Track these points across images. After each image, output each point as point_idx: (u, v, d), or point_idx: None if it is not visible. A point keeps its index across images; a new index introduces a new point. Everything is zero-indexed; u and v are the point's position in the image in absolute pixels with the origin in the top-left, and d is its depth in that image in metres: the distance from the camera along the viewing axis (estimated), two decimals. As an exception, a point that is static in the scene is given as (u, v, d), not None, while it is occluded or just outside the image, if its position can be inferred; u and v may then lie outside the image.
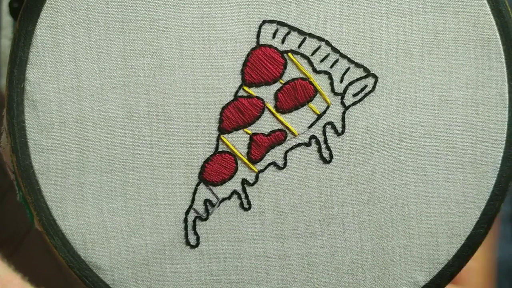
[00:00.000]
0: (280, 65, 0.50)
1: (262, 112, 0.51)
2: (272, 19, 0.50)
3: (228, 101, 0.51)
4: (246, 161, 0.51)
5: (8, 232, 0.77)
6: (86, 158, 0.51)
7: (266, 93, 0.51)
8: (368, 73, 0.51)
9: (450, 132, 0.51)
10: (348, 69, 0.50)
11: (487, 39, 0.50)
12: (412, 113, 0.51)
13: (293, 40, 0.50)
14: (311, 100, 0.51)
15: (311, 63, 0.50)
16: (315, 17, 0.50)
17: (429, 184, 0.52)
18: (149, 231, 0.52)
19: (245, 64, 0.50)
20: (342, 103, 0.51)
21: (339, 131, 0.51)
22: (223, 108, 0.51)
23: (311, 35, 0.50)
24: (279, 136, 0.51)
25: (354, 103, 0.51)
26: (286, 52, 0.50)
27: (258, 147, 0.51)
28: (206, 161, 0.51)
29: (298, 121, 0.51)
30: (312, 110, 0.51)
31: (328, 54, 0.50)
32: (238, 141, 0.51)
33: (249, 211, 0.52)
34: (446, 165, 0.51)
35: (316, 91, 0.51)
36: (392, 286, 0.53)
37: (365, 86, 0.51)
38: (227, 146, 0.51)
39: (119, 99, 0.51)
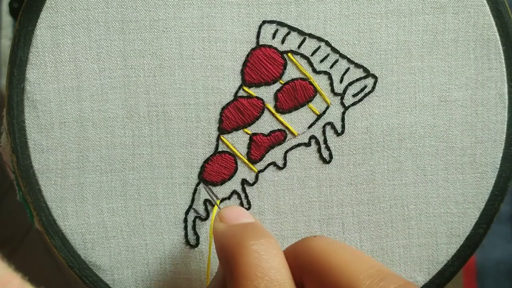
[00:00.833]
0: (280, 66, 0.50)
1: (262, 112, 0.51)
2: (272, 19, 0.50)
3: (228, 101, 0.51)
4: (246, 161, 0.51)
5: (8, 232, 0.77)
6: (86, 158, 0.51)
7: (266, 93, 0.51)
8: (368, 74, 0.51)
9: (450, 133, 0.51)
10: (348, 69, 0.51)
11: (487, 39, 0.50)
12: (412, 114, 0.51)
13: (293, 41, 0.50)
14: (311, 101, 0.51)
15: (311, 64, 0.50)
16: (315, 17, 0.50)
17: (428, 184, 0.52)
18: (149, 231, 0.52)
19: (245, 64, 0.50)
20: (342, 103, 0.51)
21: (339, 131, 0.51)
22: (223, 108, 0.51)
23: (311, 36, 0.50)
24: (279, 136, 0.51)
25: (353, 104, 0.51)
26: (286, 52, 0.50)
27: (258, 147, 0.51)
28: (206, 161, 0.51)
29: (298, 121, 0.51)
30: (312, 110, 0.51)
31: (328, 55, 0.50)
32: (238, 141, 0.51)
33: (249, 211, 0.52)
34: (445, 165, 0.52)
35: (316, 91, 0.51)
36: (391, 286, 0.53)
37: (365, 87, 0.51)
38: (227, 146, 0.51)
39: (119, 99, 0.51)
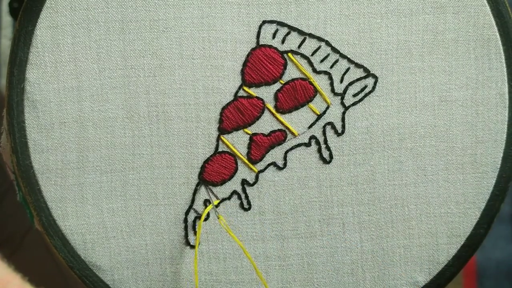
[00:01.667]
0: (280, 65, 0.50)
1: (262, 112, 0.51)
2: (272, 19, 0.50)
3: (228, 101, 0.51)
4: (246, 161, 0.51)
5: (8, 232, 0.77)
6: (86, 158, 0.51)
7: (266, 93, 0.51)
8: (368, 73, 0.51)
9: (450, 132, 0.51)
10: (348, 69, 0.50)
11: (487, 39, 0.50)
12: (412, 113, 0.51)
13: (293, 40, 0.50)
14: (311, 100, 0.51)
15: (311, 63, 0.50)
16: (315, 17, 0.50)
17: (429, 184, 0.52)
18: (149, 231, 0.52)
19: (245, 64, 0.50)
20: (342, 103, 0.51)
21: (339, 131, 0.51)
22: (223, 108, 0.51)
23: (311, 35, 0.50)
24: (279, 136, 0.51)
25: (354, 103, 0.51)
26: (286, 52, 0.50)
27: (258, 147, 0.51)
28: (206, 161, 0.51)
29: (298, 121, 0.51)
30: (312, 110, 0.51)
31: (328, 55, 0.50)
32: (238, 141, 0.51)
33: (249, 211, 0.52)
34: (446, 165, 0.51)
35: (316, 91, 0.51)
36: (392, 286, 0.53)
37: (365, 86, 0.51)
38: (227, 146, 0.51)
39: (119, 99, 0.51)
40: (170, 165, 0.51)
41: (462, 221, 0.52)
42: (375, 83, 0.51)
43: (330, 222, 0.52)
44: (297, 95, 0.51)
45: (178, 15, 0.50)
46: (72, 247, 0.52)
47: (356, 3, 0.50)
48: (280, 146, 0.51)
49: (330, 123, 0.51)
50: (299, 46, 0.50)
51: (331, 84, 0.51)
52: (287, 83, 0.51)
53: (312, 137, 0.51)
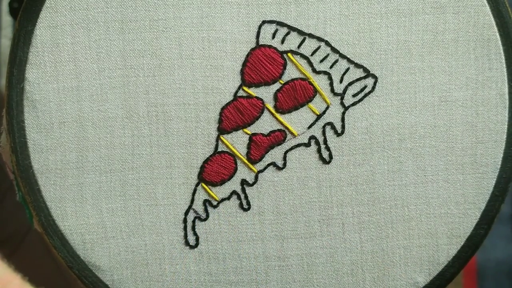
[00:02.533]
0: (280, 65, 0.50)
1: (262, 113, 0.51)
2: (271, 19, 0.50)
3: (227, 101, 0.51)
4: (246, 161, 0.51)
5: (8, 232, 0.77)
6: (86, 158, 0.51)
7: (266, 93, 0.51)
8: (368, 74, 0.50)
9: (450, 133, 0.51)
10: (347, 69, 0.50)
11: (487, 39, 0.50)
12: (412, 114, 0.51)
13: (293, 40, 0.50)
14: (310, 101, 0.51)
15: (310, 64, 0.50)
16: (315, 17, 0.50)
17: (429, 184, 0.52)
18: (148, 232, 0.52)
19: (244, 64, 0.50)
20: (342, 104, 0.51)
21: (339, 131, 0.51)
22: (223, 108, 0.51)
23: (311, 35, 0.50)
24: (278, 137, 0.51)
25: (353, 104, 0.51)
26: (286, 52, 0.50)
27: (258, 148, 0.51)
28: (206, 161, 0.51)
29: (297, 122, 0.51)
30: (312, 110, 0.51)
31: (328, 55, 0.50)
32: (237, 141, 0.51)
33: (248, 211, 0.52)
34: (446, 165, 0.51)
35: (315, 91, 0.51)
36: (391, 287, 0.52)
37: (365, 87, 0.51)
38: (227, 146, 0.51)
39: (118, 99, 0.50)
40: (169, 165, 0.51)
41: (462, 222, 0.52)
42: (374, 83, 0.51)
43: (330, 223, 0.52)
44: (296, 95, 0.51)
45: (178, 15, 0.50)
46: (71, 247, 0.52)
47: (356, 3, 0.50)
48: (280, 146, 0.51)
49: (330, 123, 0.51)
50: (299, 46, 0.50)
51: (331, 84, 0.51)
52: (286, 83, 0.51)
53: (312, 137, 0.51)
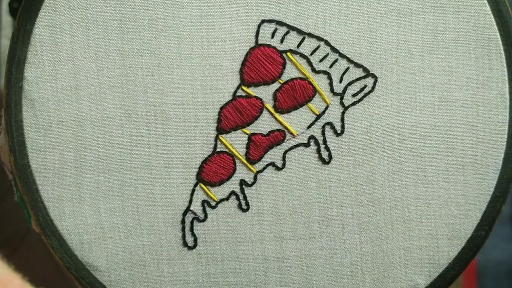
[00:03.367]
0: (279, 65, 0.50)
1: (261, 112, 0.51)
2: (271, 18, 0.50)
3: (226, 101, 0.50)
4: (245, 161, 0.51)
5: (8, 232, 0.77)
6: (84, 157, 0.51)
7: (265, 93, 0.50)
8: (368, 73, 0.50)
9: (451, 133, 0.51)
10: (347, 69, 0.50)
11: (488, 39, 0.50)
12: (412, 114, 0.51)
13: (292, 40, 0.50)
14: (310, 100, 0.51)
15: (310, 63, 0.50)
16: (314, 16, 0.50)
17: (429, 185, 0.51)
18: (146, 232, 0.52)
19: (243, 63, 0.50)
20: (342, 103, 0.50)
21: (338, 131, 0.51)
22: (222, 108, 0.50)
23: (310, 35, 0.50)
24: (277, 137, 0.51)
25: (353, 103, 0.50)
26: (285, 51, 0.50)
27: (257, 148, 0.51)
28: (204, 162, 0.51)
29: (297, 121, 0.51)
30: (311, 110, 0.51)
31: (327, 54, 0.50)
32: (236, 141, 0.51)
33: (247, 212, 0.51)
34: (446, 166, 0.51)
35: (315, 91, 0.50)
36: (391, 288, 0.52)
37: (365, 86, 0.50)
38: (226, 146, 0.51)
39: (117, 99, 0.50)
40: (167, 165, 0.51)
41: (463, 223, 0.52)
42: (374, 83, 0.50)
43: (329, 224, 0.52)
44: (296, 95, 0.50)
45: (177, 14, 0.50)
46: (69, 247, 0.51)
47: (356, 2, 0.50)
48: (279, 146, 0.51)
49: (330, 123, 0.51)
50: (298, 46, 0.50)
51: (331, 84, 0.50)
52: (286, 82, 0.50)
53: (311, 137, 0.51)
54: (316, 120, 0.51)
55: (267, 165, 0.51)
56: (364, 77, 0.50)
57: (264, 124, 0.51)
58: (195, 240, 0.52)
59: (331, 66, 0.50)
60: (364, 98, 0.50)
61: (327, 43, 0.50)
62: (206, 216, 0.51)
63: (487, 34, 0.50)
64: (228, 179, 0.51)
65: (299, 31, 0.50)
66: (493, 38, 0.50)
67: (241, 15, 0.50)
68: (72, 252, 0.51)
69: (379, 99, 0.50)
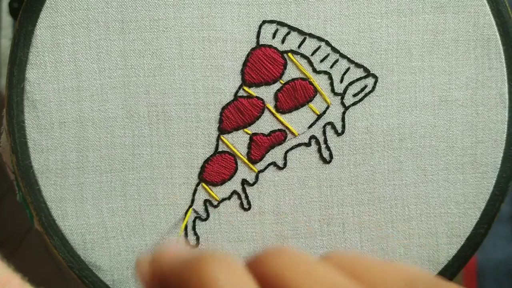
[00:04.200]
0: (280, 65, 0.50)
1: (262, 112, 0.51)
2: (272, 19, 0.50)
3: (228, 101, 0.51)
4: (246, 161, 0.51)
5: (8, 232, 0.77)
6: (86, 158, 0.51)
7: (266, 93, 0.51)
8: (368, 73, 0.50)
9: (450, 132, 0.51)
10: (348, 69, 0.50)
11: (487, 39, 0.50)
12: (412, 113, 0.51)
13: (293, 40, 0.50)
14: (311, 100, 0.51)
15: (311, 63, 0.50)
16: (315, 17, 0.50)
17: (429, 184, 0.52)
18: (149, 231, 0.52)
19: (245, 64, 0.50)
20: (342, 103, 0.51)
21: (339, 131, 0.51)
22: (223, 108, 0.51)
23: (311, 35, 0.50)
24: (279, 136, 0.51)
25: (354, 103, 0.51)
26: (286, 52, 0.50)
27: (258, 147, 0.51)
28: (206, 161, 0.51)
29: (298, 121, 0.51)
30: (312, 110, 0.51)
31: (328, 54, 0.50)
32: (238, 141, 0.51)
33: (249, 211, 0.52)
34: (446, 165, 0.51)
35: (316, 91, 0.51)
36: (392, 286, 0.52)
37: (365, 86, 0.51)
38: (227, 146, 0.51)
39: (119, 99, 0.50)
40: (170, 165, 0.51)
41: (462, 221, 0.52)
42: (375, 83, 0.51)
43: (330, 222, 0.52)
44: (297, 95, 0.51)
45: (178, 15, 0.50)
46: (71, 247, 0.51)
47: (356, 2, 0.50)
48: (280, 146, 0.51)
49: (330, 123, 0.51)
50: (299, 46, 0.50)
51: (331, 84, 0.51)
52: (287, 83, 0.51)
53: (312, 137, 0.51)
54: (317, 120, 0.51)
55: (269, 164, 0.51)
56: (365, 77, 0.51)
57: (265, 124, 0.51)
58: (198, 239, 0.52)
59: (332, 66, 0.50)
60: (365, 98, 0.51)
61: (328, 43, 0.50)
62: (208, 215, 0.52)
63: (486, 34, 0.50)
64: (230, 179, 0.52)
65: (300, 32, 0.50)
66: (493, 38, 0.50)
67: (242, 15, 0.50)
68: (75, 252, 0.52)
69: (379, 99, 0.51)
